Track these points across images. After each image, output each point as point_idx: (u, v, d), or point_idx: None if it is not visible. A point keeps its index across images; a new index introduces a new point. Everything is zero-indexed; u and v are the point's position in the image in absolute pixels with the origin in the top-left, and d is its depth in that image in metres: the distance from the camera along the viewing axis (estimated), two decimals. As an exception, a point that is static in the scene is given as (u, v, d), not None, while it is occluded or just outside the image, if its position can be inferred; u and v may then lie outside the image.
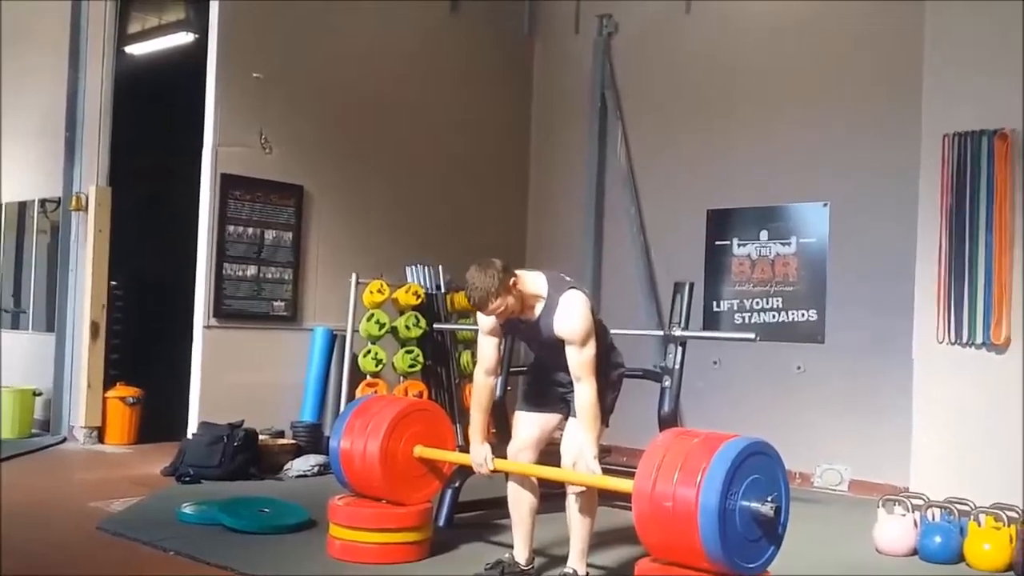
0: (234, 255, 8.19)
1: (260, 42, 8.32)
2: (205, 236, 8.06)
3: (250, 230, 8.28)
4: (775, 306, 8.39)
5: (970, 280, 6.04)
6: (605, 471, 4.33)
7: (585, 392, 4.26)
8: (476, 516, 5.85)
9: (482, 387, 4.60)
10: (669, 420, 5.38)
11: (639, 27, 9.59)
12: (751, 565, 3.68)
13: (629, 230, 9.40)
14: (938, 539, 5.41)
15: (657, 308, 9.04)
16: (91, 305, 8.66)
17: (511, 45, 10.38)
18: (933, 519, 5.53)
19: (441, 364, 8.68)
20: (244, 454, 7.23)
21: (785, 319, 8.33)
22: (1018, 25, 5.98)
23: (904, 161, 6.91)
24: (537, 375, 4.73)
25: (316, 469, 7.41)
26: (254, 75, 8.21)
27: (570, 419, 4.45)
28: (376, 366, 8.15)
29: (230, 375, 7.98)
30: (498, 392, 5.67)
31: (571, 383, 4.34)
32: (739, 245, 8.65)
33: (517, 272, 4.33)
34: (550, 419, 4.61)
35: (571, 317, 4.28)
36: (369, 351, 8.16)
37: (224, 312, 8.10)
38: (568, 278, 4.49)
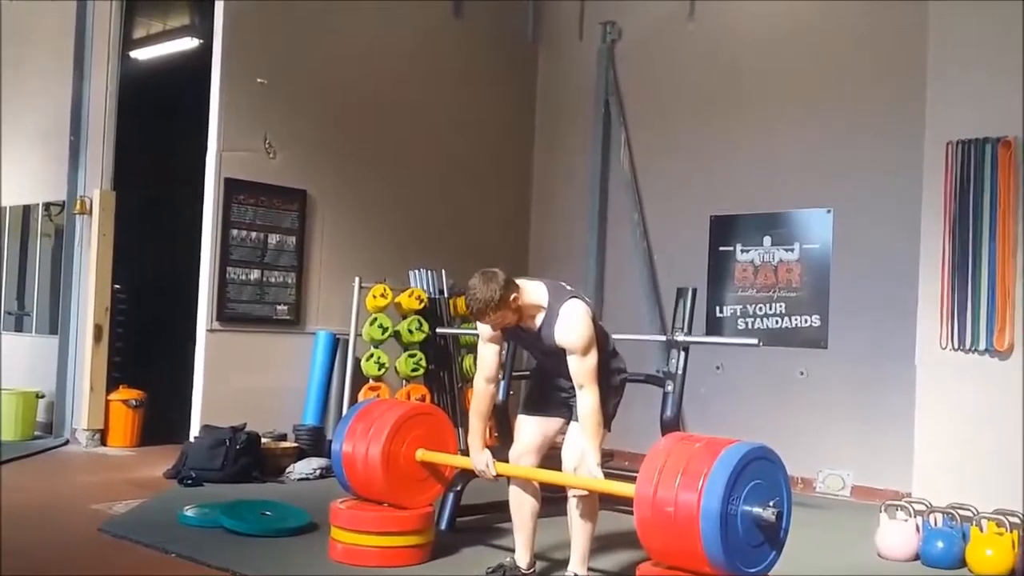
0: (237, 259, 8.21)
1: (264, 47, 8.34)
2: (209, 240, 8.08)
3: (253, 234, 8.29)
4: (778, 312, 8.39)
5: (973, 287, 6.04)
6: (607, 475, 4.33)
7: (588, 400, 4.26)
8: (478, 520, 5.84)
9: (482, 394, 4.61)
10: (671, 425, 5.37)
11: (642, 33, 9.60)
12: (753, 570, 3.67)
13: (632, 235, 9.41)
14: (940, 545, 5.41)
15: (660, 313, 9.04)
16: (94, 308, 8.66)
17: (514, 50, 10.40)
18: (935, 525, 5.53)
19: (444, 368, 8.69)
20: (246, 457, 7.23)
21: (788, 325, 8.33)
22: (1021, 32, 5.98)
23: (908, 168, 6.91)
24: (539, 380, 4.74)
25: (318, 472, 7.41)
26: (259, 80, 8.24)
27: (572, 423, 4.46)
28: (379, 370, 8.16)
29: (233, 378, 7.99)
30: (500, 396, 5.67)
31: (573, 388, 4.34)
32: (742, 251, 8.65)
33: (518, 283, 4.33)
34: (552, 423, 4.61)
35: (572, 327, 4.28)
36: (372, 355, 8.17)
37: (227, 316, 8.11)
38: (569, 287, 4.49)
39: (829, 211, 8.16)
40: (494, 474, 4.58)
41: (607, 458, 4.87)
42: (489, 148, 10.05)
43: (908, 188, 6.85)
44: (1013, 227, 5.95)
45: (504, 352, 5.12)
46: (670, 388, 5.49)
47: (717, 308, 8.72)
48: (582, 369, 4.26)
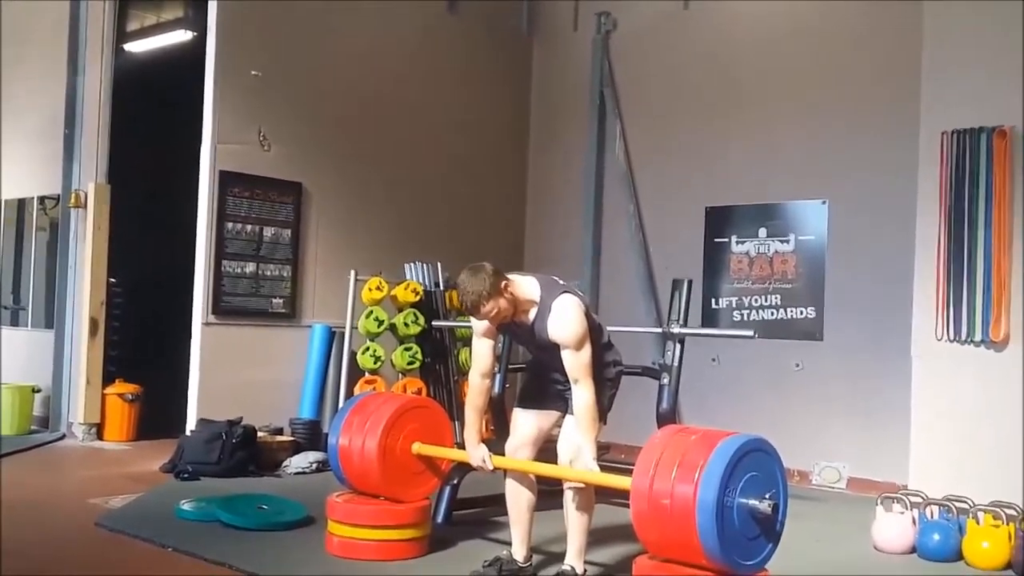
0: (233, 252, 8.20)
1: (258, 39, 8.32)
2: (204, 233, 8.07)
3: (249, 227, 8.28)
4: (774, 303, 8.39)
5: (969, 277, 6.04)
6: (603, 468, 4.33)
7: (583, 394, 4.27)
8: (474, 513, 5.85)
9: (478, 388, 4.61)
10: (667, 417, 5.37)
11: (638, 24, 9.58)
12: (749, 562, 3.67)
13: (628, 227, 9.41)
14: (937, 537, 5.41)
15: (656, 305, 9.04)
16: (90, 302, 8.65)
17: (509, 44, 10.37)
18: (932, 517, 5.53)
19: (440, 361, 8.69)
20: (243, 451, 7.22)
21: (784, 316, 8.34)
22: (1018, 22, 5.98)
23: (903, 158, 6.91)
24: (535, 373, 4.74)
25: (314, 466, 7.40)
26: (253, 73, 8.22)
27: (568, 416, 4.46)
28: (375, 363, 8.16)
29: (229, 372, 7.98)
30: (496, 389, 5.68)
31: (569, 381, 4.34)
32: (738, 242, 8.65)
33: (509, 276, 4.34)
34: (548, 417, 4.62)
35: (565, 323, 4.28)
36: (368, 348, 8.17)
37: (223, 309, 8.10)
38: (561, 281, 4.49)
39: (824, 202, 8.16)
40: (492, 467, 4.58)
41: (603, 451, 4.88)
42: (484, 141, 10.03)
43: (903, 178, 6.85)
44: (1008, 217, 5.95)
45: (499, 346, 5.12)
46: (666, 380, 5.49)
47: (713, 300, 8.73)
48: (576, 364, 4.26)
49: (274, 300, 8.44)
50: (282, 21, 8.43)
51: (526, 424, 4.62)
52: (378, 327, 8.18)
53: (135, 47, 10.02)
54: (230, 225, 8.17)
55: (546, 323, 4.32)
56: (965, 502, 5.49)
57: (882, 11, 7.83)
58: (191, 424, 7.73)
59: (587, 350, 4.28)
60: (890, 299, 7.31)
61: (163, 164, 9.52)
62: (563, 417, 4.52)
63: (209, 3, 8.17)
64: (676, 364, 5.53)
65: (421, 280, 8.65)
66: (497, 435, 5.77)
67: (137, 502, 6.16)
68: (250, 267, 8.29)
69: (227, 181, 8.11)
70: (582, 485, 4.37)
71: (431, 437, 5.03)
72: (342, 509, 4.93)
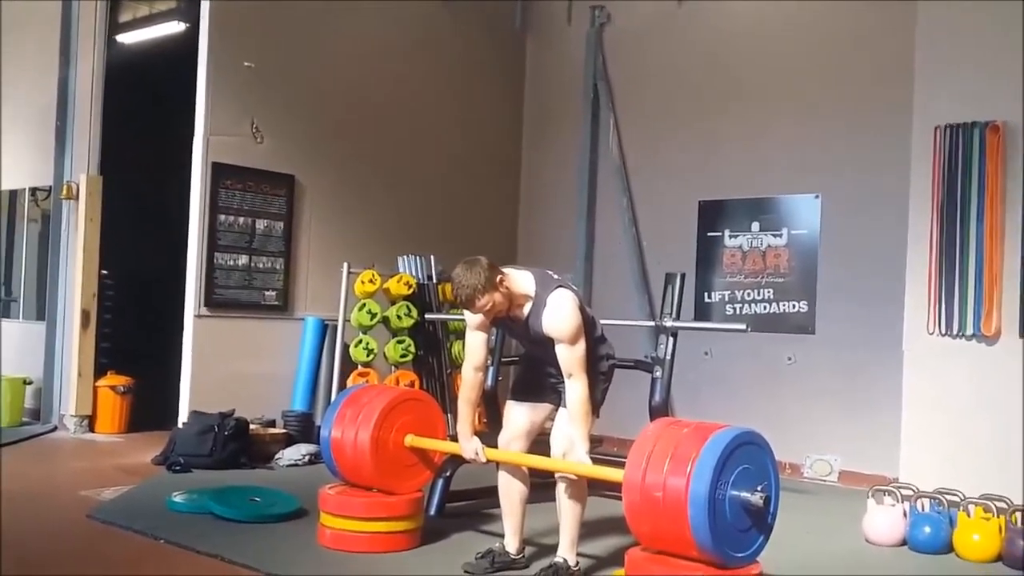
0: (225, 244, 8.18)
1: (251, 31, 8.29)
2: (196, 225, 8.05)
3: (241, 219, 8.26)
4: (766, 297, 8.41)
5: (961, 271, 6.06)
6: (596, 461, 4.34)
7: (576, 389, 4.28)
8: (467, 505, 5.85)
9: (471, 382, 4.61)
10: (660, 410, 5.38)
11: (631, 18, 9.58)
12: (741, 555, 3.69)
13: (621, 221, 9.41)
14: (927, 529, 5.43)
15: (648, 299, 9.05)
16: (82, 294, 8.63)
17: (502, 38, 10.36)
18: (923, 510, 5.55)
19: (432, 354, 8.68)
20: (235, 443, 7.22)
21: (776, 310, 8.35)
22: (1011, 18, 5.99)
23: (896, 153, 6.92)
24: (528, 366, 4.75)
25: (307, 458, 7.40)
26: (245, 64, 8.19)
27: (561, 409, 4.46)
28: (367, 356, 8.15)
29: (221, 364, 7.97)
30: (489, 382, 5.69)
31: (562, 374, 4.35)
32: (730, 236, 8.66)
33: (504, 270, 4.34)
34: (541, 409, 4.62)
35: (559, 317, 4.29)
36: (360, 341, 8.16)
37: (215, 301, 8.09)
38: (555, 275, 4.49)
39: (817, 197, 8.17)
40: (485, 460, 4.59)
41: (596, 444, 4.88)
42: (478, 134, 10.02)
43: (896, 173, 6.87)
44: (1001, 211, 5.97)
45: (492, 339, 5.12)
46: (659, 373, 5.50)
47: (705, 294, 8.74)
48: (570, 358, 4.26)
49: (267, 292, 8.43)
50: (275, 13, 8.40)
51: (519, 417, 4.63)
52: (371, 320, 8.17)
53: (127, 38, 9.98)
54: (223, 217, 8.15)
55: (541, 318, 4.32)
56: (956, 495, 5.52)
57: (875, 7, 7.84)
58: (183, 416, 7.72)
59: (581, 344, 4.29)
60: (882, 293, 7.33)
61: (155, 156, 9.49)
62: (556, 410, 4.53)
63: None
64: (669, 357, 5.54)
65: (414, 273, 8.64)
66: (490, 428, 5.78)
67: (129, 494, 6.15)
68: (243, 259, 8.27)
69: (220, 173, 8.09)
70: (575, 477, 4.38)
71: (424, 430, 5.03)
72: (335, 501, 4.93)
